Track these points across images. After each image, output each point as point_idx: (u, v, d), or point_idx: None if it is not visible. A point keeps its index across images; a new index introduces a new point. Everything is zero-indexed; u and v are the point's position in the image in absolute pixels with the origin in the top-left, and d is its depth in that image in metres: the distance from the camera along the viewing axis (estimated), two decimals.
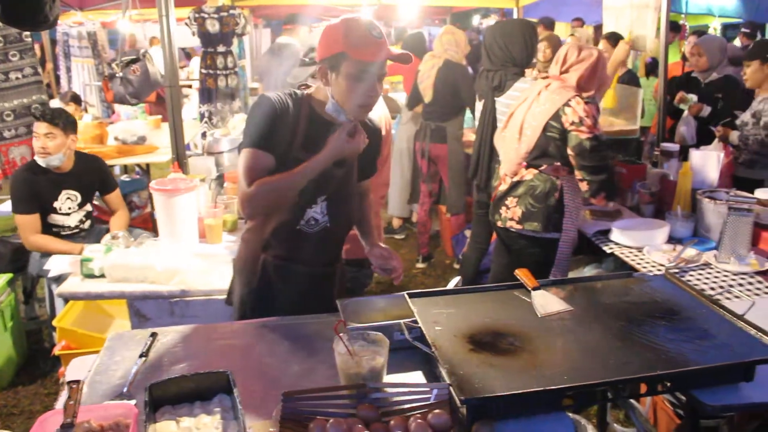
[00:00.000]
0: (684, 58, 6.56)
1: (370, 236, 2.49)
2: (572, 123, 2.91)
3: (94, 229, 4.06)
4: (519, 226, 3.10)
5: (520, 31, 3.78)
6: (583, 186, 2.96)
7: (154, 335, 2.09)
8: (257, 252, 2.28)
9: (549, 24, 7.72)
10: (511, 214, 3.12)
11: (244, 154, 2.09)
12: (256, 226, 2.28)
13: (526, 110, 3.09)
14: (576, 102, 2.92)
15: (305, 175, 2.06)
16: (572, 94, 2.95)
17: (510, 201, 3.13)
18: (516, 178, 3.13)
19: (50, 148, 3.71)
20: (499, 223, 3.22)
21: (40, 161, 3.75)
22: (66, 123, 3.78)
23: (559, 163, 3.01)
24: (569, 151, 2.95)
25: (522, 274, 2.19)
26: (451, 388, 1.57)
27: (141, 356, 1.95)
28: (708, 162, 3.60)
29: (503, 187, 3.20)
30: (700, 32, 6.85)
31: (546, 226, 3.05)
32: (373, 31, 2.03)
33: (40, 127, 3.71)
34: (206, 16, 6.35)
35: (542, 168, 3.04)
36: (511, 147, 3.14)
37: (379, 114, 2.93)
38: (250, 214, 2.17)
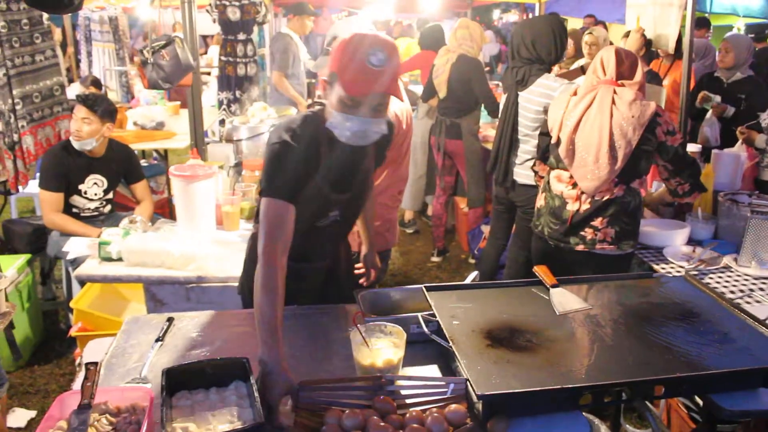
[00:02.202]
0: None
1: (367, 233, 2.50)
2: (666, 132, 2.76)
3: (113, 215, 4.09)
4: (612, 247, 2.85)
5: (550, 28, 3.66)
6: (683, 188, 2.87)
7: (170, 320, 2.10)
8: None
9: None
10: (601, 235, 2.84)
11: (265, 203, 1.90)
12: None
13: (606, 123, 2.75)
14: (661, 111, 2.77)
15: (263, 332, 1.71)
16: (654, 104, 2.76)
17: (598, 222, 2.84)
18: (605, 197, 2.82)
19: (83, 133, 3.79)
20: (579, 247, 2.88)
21: (74, 143, 3.83)
22: (105, 111, 3.87)
23: (645, 176, 2.90)
24: (663, 162, 2.82)
25: (541, 271, 2.18)
26: (468, 383, 1.56)
27: (157, 340, 1.96)
28: (730, 164, 3.55)
29: (584, 207, 2.85)
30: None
31: (636, 242, 2.92)
32: (371, 58, 1.81)
33: (79, 111, 3.81)
34: (227, 3, 6.34)
35: (633, 183, 2.84)
36: (591, 163, 2.79)
37: (400, 107, 2.90)
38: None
